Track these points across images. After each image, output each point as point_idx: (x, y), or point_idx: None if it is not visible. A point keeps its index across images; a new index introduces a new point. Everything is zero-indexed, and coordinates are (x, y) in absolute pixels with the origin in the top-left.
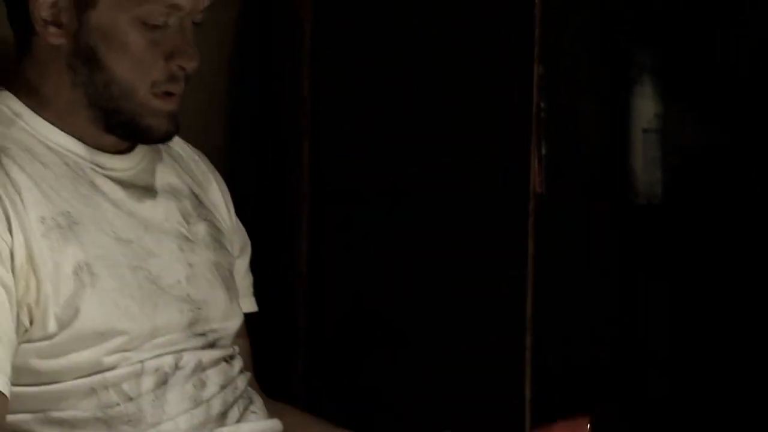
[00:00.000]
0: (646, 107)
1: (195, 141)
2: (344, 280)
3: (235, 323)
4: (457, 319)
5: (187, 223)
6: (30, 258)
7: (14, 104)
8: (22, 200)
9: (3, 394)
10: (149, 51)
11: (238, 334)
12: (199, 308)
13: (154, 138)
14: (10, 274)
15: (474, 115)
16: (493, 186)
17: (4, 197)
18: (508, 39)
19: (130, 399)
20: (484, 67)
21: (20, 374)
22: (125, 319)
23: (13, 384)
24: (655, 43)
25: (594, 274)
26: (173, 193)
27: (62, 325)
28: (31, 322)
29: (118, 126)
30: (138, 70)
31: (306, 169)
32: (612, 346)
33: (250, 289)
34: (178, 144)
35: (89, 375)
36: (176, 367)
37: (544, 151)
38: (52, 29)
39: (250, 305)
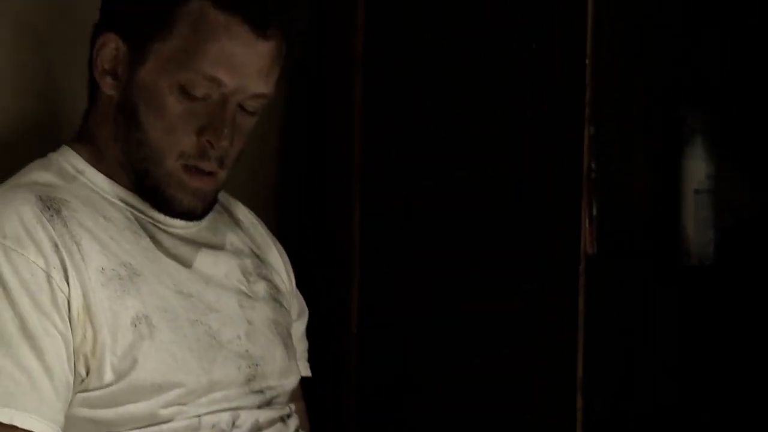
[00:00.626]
0: (697, 168)
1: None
2: (393, 341)
3: (292, 381)
4: (508, 379)
5: (247, 280)
6: (87, 308)
7: (76, 161)
8: (81, 251)
9: None
10: (183, 119)
11: (293, 396)
12: (257, 364)
13: (176, 212)
14: (67, 323)
15: (525, 175)
16: (544, 246)
17: (61, 248)
18: (560, 100)
19: None
20: (536, 127)
21: (75, 423)
22: (182, 372)
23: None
24: (706, 104)
25: (644, 335)
26: (234, 250)
27: (119, 376)
28: (87, 372)
29: (144, 190)
30: (168, 137)
31: (357, 235)
32: (663, 407)
33: (305, 354)
34: (238, 207)
35: (145, 426)
36: (233, 425)
37: (594, 212)
38: (109, 79)
39: (304, 370)
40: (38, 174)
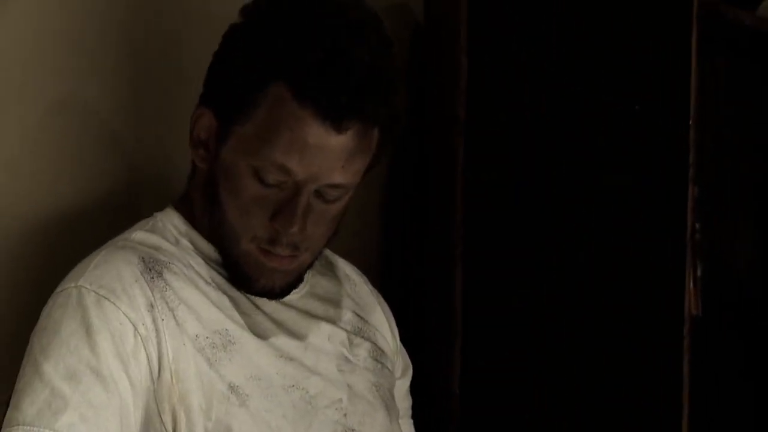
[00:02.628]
0: None
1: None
2: (496, 400)
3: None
4: None
5: (350, 344)
6: (177, 372)
7: (180, 223)
8: (177, 316)
9: None
10: (256, 204)
11: None
12: (353, 429)
13: (253, 290)
14: (142, 377)
15: (630, 236)
16: (649, 308)
17: (157, 310)
18: (663, 161)
19: None
20: (640, 188)
21: None
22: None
23: None
24: None
25: (749, 397)
26: (336, 314)
27: None
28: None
29: (226, 267)
30: (242, 219)
31: (459, 297)
32: None
33: (409, 411)
34: (341, 265)
35: None
36: None
37: (699, 273)
38: (201, 152)
39: (408, 428)
40: (144, 235)
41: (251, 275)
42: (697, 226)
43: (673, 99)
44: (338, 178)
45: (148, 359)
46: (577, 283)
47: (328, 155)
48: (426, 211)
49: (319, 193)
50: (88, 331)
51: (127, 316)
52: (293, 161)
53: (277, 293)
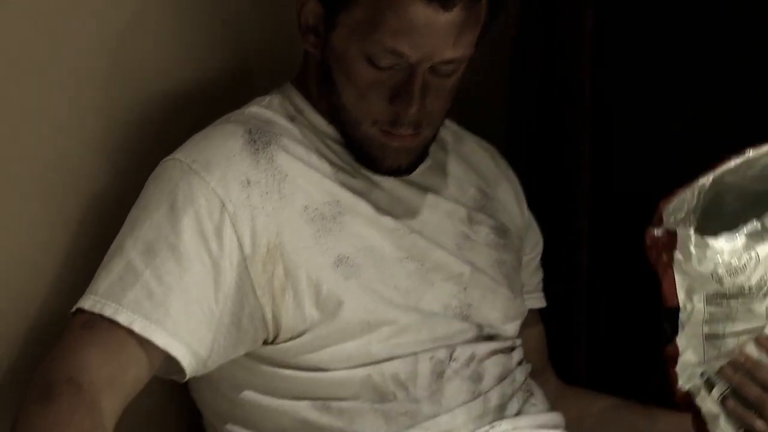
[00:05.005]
0: None
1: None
2: (624, 278)
3: (515, 320)
4: None
5: (470, 221)
6: (280, 246)
7: (299, 101)
8: (283, 189)
9: (179, 363)
10: (372, 88)
11: (528, 324)
12: (470, 304)
13: (382, 171)
14: (225, 256)
15: None
16: None
17: (254, 185)
18: None
19: (407, 391)
20: None
21: (286, 379)
22: (391, 309)
23: (285, 367)
24: None
25: None
26: (459, 191)
27: (324, 315)
28: (275, 313)
29: (349, 149)
30: (361, 104)
31: (587, 166)
32: None
33: (539, 286)
34: (466, 140)
35: (362, 365)
36: (451, 359)
37: None
38: (312, 37)
39: (538, 301)
40: (258, 109)
41: (377, 156)
42: None
43: None
44: (450, 53)
45: (237, 236)
46: None
47: (438, 34)
48: (551, 88)
49: (433, 70)
50: (172, 206)
51: (215, 192)
52: (404, 44)
53: (404, 171)
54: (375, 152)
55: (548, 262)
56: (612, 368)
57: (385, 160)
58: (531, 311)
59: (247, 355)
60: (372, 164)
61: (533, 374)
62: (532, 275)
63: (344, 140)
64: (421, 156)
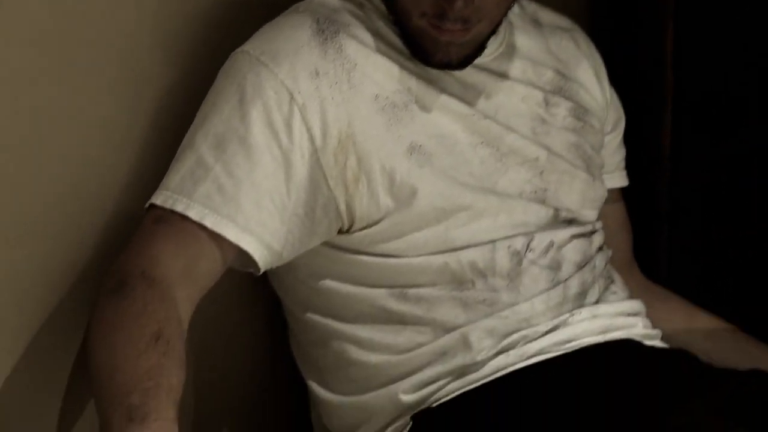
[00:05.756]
0: None
1: None
2: (706, 158)
3: (594, 204)
4: None
5: (546, 104)
6: (352, 136)
7: None
8: (352, 78)
9: (250, 256)
10: None
11: (610, 203)
12: (546, 189)
13: (433, 64)
14: (296, 148)
15: None
16: None
17: (323, 75)
18: None
19: (485, 279)
20: None
21: (365, 265)
22: (465, 194)
23: (362, 255)
24: None
25: None
26: (535, 73)
27: (398, 204)
28: (349, 203)
29: (404, 41)
30: None
31: (670, 35)
32: None
33: (622, 164)
34: (547, 20)
35: (439, 253)
36: (528, 248)
37: None
38: None
39: (620, 180)
40: None
41: (427, 49)
42: None
43: None
44: None
45: (307, 128)
46: None
47: None
48: None
49: None
50: (241, 99)
51: (284, 84)
52: None
53: (455, 65)
54: (426, 45)
55: (629, 145)
56: (694, 264)
57: (436, 53)
58: (612, 191)
59: (325, 243)
60: (423, 57)
61: (617, 263)
62: (614, 153)
63: (400, 31)
64: (475, 50)
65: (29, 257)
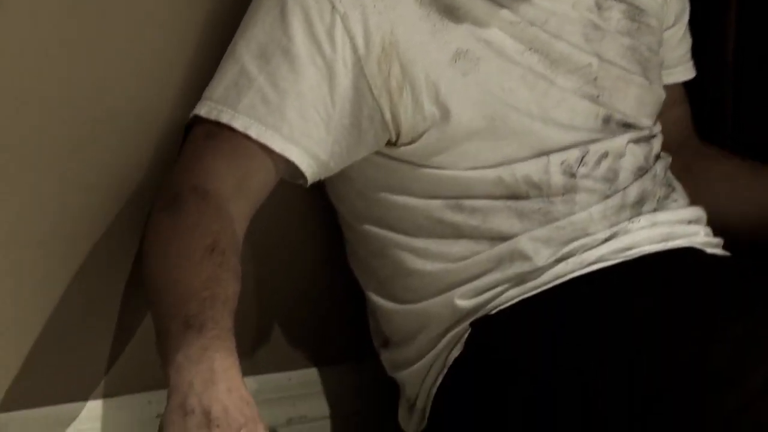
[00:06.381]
0: None
1: None
2: None
3: (652, 109)
4: None
5: (598, 8)
6: (395, 44)
7: None
8: None
9: (297, 167)
10: None
11: (674, 102)
12: (598, 96)
13: None
14: (339, 58)
15: None
16: None
17: None
18: None
19: (539, 190)
20: None
21: (420, 178)
22: (513, 103)
23: (415, 166)
24: None
25: None
26: None
27: (445, 114)
28: (394, 112)
29: None
30: None
31: None
32: None
33: (687, 56)
34: None
35: (491, 167)
36: (582, 161)
37: None
38: None
39: (684, 73)
40: None
41: None
42: None
43: None
44: None
45: (349, 37)
46: None
47: None
48: None
49: None
50: (282, 10)
51: None
52: None
53: None
54: None
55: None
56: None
57: None
58: (675, 90)
59: (379, 154)
60: None
61: (674, 147)
62: (677, 47)
63: None
64: None
65: (81, 174)
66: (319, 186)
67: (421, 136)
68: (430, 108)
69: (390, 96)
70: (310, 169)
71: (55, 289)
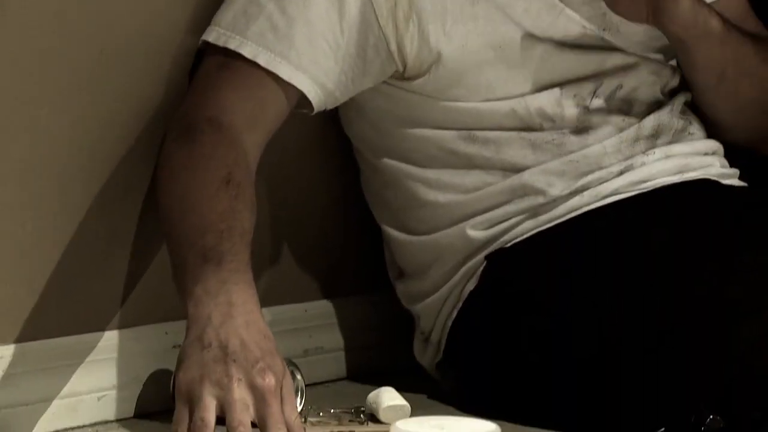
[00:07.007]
0: None
1: None
2: None
3: (664, 41)
4: None
5: None
6: None
7: None
8: None
9: (304, 95)
10: None
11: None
12: (609, 28)
13: None
14: None
15: None
16: None
17: None
18: None
19: (553, 122)
20: None
21: (429, 96)
22: (524, 31)
23: (427, 97)
24: None
25: None
26: None
27: (453, 45)
28: (399, 40)
29: None
30: None
31: None
32: None
33: None
34: None
35: (504, 99)
36: (595, 93)
37: None
38: None
39: None
40: None
41: None
42: None
43: None
44: None
45: None
46: None
47: None
48: None
49: None
50: None
51: None
52: None
53: None
54: None
55: None
56: None
57: None
58: None
59: (390, 85)
60: None
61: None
62: None
63: None
64: None
65: (94, 105)
66: (334, 117)
67: (429, 68)
68: (435, 39)
69: (396, 26)
70: (317, 97)
71: (72, 222)
